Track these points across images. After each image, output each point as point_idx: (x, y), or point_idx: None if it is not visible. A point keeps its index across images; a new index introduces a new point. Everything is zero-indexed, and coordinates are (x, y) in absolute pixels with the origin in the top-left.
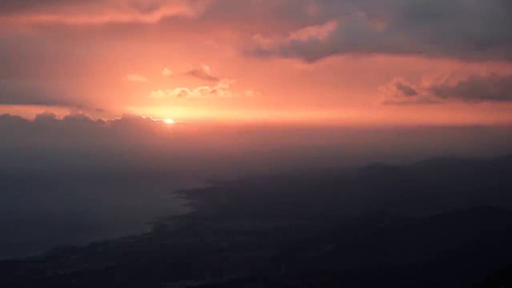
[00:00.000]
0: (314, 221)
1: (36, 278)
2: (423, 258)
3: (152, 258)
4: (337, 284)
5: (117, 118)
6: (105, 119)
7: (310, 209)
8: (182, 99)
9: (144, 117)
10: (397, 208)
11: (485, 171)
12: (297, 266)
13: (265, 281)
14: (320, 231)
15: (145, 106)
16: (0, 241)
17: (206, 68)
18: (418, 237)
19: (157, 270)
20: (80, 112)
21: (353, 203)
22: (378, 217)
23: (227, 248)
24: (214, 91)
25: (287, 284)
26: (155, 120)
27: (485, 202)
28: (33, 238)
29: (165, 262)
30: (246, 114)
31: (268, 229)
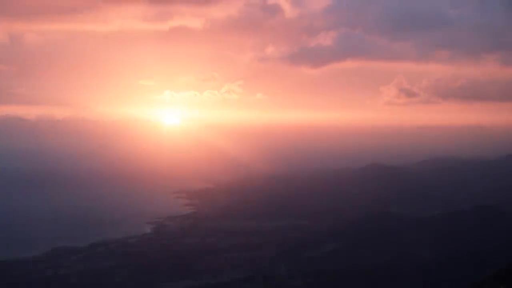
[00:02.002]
0: (314, 221)
1: (36, 278)
2: (423, 258)
3: (152, 258)
4: (337, 284)
5: (119, 119)
6: (106, 120)
7: (310, 209)
8: (191, 102)
9: (145, 118)
10: (397, 208)
11: (485, 172)
12: (297, 266)
13: (265, 281)
14: (320, 231)
15: (151, 108)
16: (0, 241)
17: (216, 74)
18: (418, 237)
19: (157, 270)
20: (81, 113)
21: (353, 203)
22: (378, 217)
23: (227, 248)
24: (223, 94)
25: (287, 284)
26: (158, 121)
27: (485, 202)
28: (33, 238)
29: (165, 262)
30: (253, 116)
31: (268, 229)
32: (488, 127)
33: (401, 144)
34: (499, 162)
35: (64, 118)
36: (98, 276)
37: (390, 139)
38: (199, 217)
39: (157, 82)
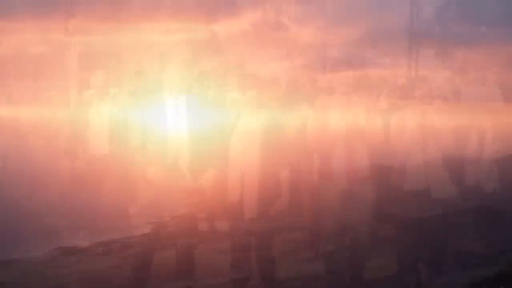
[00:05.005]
0: (314, 221)
1: (36, 278)
2: (422, 258)
3: (152, 258)
4: (337, 285)
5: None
6: (106, 120)
7: (310, 209)
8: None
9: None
10: (397, 208)
11: (485, 172)
12: (297, 266)
13: (265, 281)
14: (320, 231)
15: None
16: (0, 241)
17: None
18: (418, 237)
19: (157, 270)
20: (86, 113)
21: (353, 203)
22: (378, 218)
23: (227, 248)
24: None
25: (287, 284)
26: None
27: (485, 202)
28: (33, 238)
29: (165, 262)
30: (259, 118)
31: (268, 229)
32: (488, 127)
33: (401, 144)
34: (499, 163)
35: (67, 118)
36: (98, 276)
37: (390, 139)
38: (199, 217)
39: None
